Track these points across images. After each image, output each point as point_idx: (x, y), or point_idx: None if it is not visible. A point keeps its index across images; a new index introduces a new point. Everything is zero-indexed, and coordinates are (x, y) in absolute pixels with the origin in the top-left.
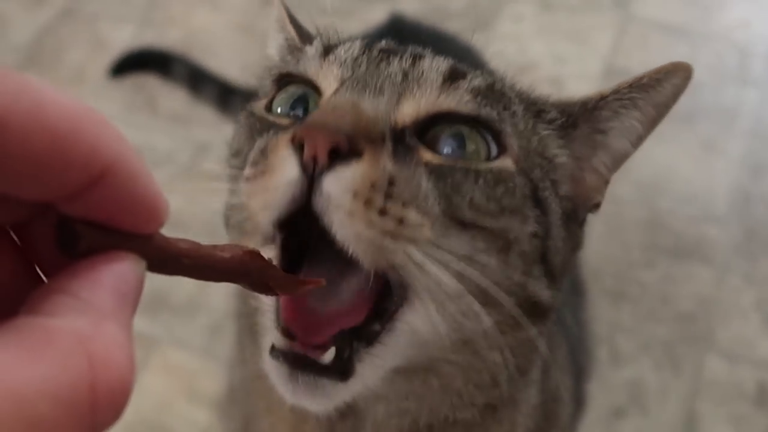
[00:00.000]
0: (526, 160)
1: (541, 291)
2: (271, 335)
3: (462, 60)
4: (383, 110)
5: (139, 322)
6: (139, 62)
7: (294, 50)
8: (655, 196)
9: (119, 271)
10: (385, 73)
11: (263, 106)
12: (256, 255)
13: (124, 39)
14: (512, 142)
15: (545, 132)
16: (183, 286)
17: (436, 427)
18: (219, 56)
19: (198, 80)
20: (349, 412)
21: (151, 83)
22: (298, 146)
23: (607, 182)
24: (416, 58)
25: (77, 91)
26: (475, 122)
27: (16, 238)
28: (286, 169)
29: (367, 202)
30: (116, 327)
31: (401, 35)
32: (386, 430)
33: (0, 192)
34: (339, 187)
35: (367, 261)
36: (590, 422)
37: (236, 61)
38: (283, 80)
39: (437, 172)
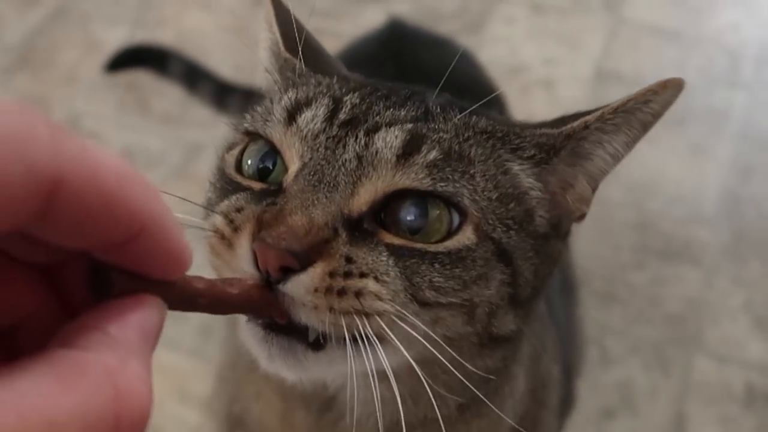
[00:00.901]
0: (487, 220)
1: (505, 327)
2: None
3: (457, 66)
4: (336, 210)
5: None
6: (135, 58)
7: (277, 57)
8: (645, 198)
9: (145, 313)
10: (341, 161)
11: (234, 162)
12: (260, 288)
13: (117, 39)
14: (471, 208)
15: (518, 168)
16: None
17: (417, 424)
18: (211, 56)
19: (194, 78)
20: (330, 405)
21: (143, 84)
22: (254, 252)
23: (591, 198)
24: (371, 134)
25: (70, 92)
26: (432, 195)
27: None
28: (244, 262)
29: (328, 290)
30: (139, 363)
31: (401, 41)
32: (367, 425)
33: (46, 240)
34: (297, 291)
35: (334, 334)
36: (580, 423)
37: (228, 61)
38: (252, 135)
39: (397, 253)
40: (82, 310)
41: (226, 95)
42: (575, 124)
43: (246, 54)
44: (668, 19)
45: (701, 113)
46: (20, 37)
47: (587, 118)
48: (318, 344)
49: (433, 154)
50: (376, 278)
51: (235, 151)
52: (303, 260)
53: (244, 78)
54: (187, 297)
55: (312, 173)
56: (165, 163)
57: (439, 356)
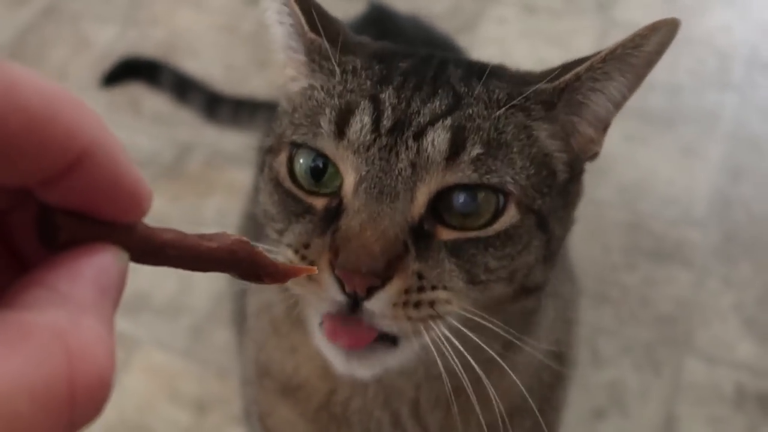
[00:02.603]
0: (527, 194)
1: (536, 279)
2: (316, 317)
3: (437, 36)
4: (401, 221)
5: (121, 323)
6: (128, 71)
7: (302, 37)
8: (636, 198)
9: (100, 263)
10: (397, 170)
11: (287, 173)
12: (244, 243)
13: (107, 38)
14: (514, 189)
15: (539, 131)
16: (165, 286)
17: (464, 368)
18: (202, 56)
19: (184, 89)
20: None
21: (134, 83)
22: (338, 278)
23: (601, 138)
24: (419, 138)
25: None
26: (479, 188)
27: None
28: (332, 292)
29: (405, 304)
30: (96, 321)
31: (382, 25)
32: (415, 373)
33: None
34: (380, 306)
35: (404, 336)
36: (571, 424)
37: (220, 61)
38: (299, 146)
39: (456, 251)
40: (34, 265)
41: (216, 105)
42: (567, 76)
43: (238, 53)
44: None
45: (692, 114)
46: (10, 35)
47: (578, 69)
48: (394, 340)
49: (476, 150)
50: (444, 287)
51: (282, 159)
52: (384, 277)
53: (236, 77)
54: (153, 247)
55: (372, 186)
56: (156, 162)
57: (482, 320)
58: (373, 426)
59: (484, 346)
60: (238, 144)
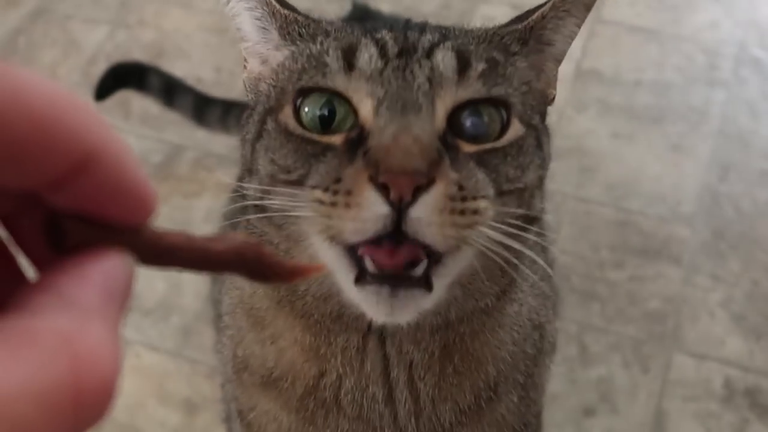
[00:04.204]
0: (526, 111)
1: (536, 206)
2: (350, 272)
3: None
4: (430, 129)
5: None
6: (117, 78)
7: (274, 16)
8: (624, 196)
9: (107, 268)
10: (416, 85)
11: (293, 121)
12: (252, 245)
13: (97, 40)
14: (515, 101)
15: (519, 63)
16: (155, 287)
17: (465, 318)
18: (192, 58)
19: (173, 92)
20: None
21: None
22: (382, 187)
23: (556, 76)
24: (430, 57)
25: None
26: (488, 101)
27: (5, 233)
28: (376, 207)
29: (451, 211)
30: (102, 326)
31: (365, 12)
32: (424, 325)
33: None
34: (427, 211)
35: (445, 247)
36: (560, 421)
37: (209, 62)
38: (306, 91)
39: (479, 160)
40: (40, 271)
41: (205, 109)
42: (534, 16)
43: (227, 55)
44: (647, 18)
45: (680, 111)
46: (0, 37)
47: (543, 8)
48: (428, 282)
49: (481, 66)
50: (484, 196)
51: (288, 112)
52: (429, 176)
53: (225, 79)
54: (160, 249)
55: (394, 101)
56: (146, 163)
57: (495, 248)
58: (366, 404)
59: (483, 281)
60: (228, 145)
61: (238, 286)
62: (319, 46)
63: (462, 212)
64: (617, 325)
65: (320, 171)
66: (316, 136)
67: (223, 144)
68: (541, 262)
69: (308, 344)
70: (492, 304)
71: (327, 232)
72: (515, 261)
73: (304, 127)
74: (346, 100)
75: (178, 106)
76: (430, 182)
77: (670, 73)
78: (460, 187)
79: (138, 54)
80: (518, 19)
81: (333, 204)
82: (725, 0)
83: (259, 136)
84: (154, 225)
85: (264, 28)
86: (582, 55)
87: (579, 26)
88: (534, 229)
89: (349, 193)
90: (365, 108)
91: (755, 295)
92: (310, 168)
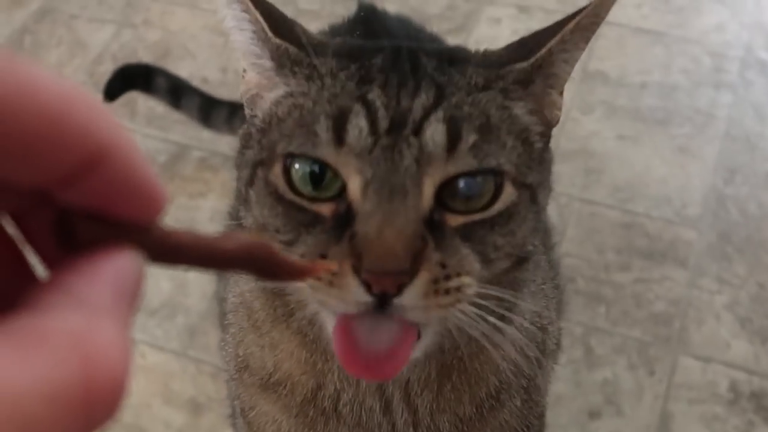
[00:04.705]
0: (520, 171)
1: (529, 249)
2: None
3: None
4: (415, 217)
5: None
6: (124, 79)
7: (266, 43)
8: (630, 198)
9: (117, 266)
10: (402, 168)
11: (284, 183)
12: (261, 243)
13: (103, 39)
14: (508, 167)
15: (517, 110)
16: (160, 287)
17: (461, 345)
18: (197, 57)
19: (179, 93)
20: None
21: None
22: (365, 281)
23: (561, 101)
24: (419, 135)
25: None
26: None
27: (16, 231)
28: (358, 296)
29: (435, 293)
30: (112, 325)
31: (370, 26)
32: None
33: None
34: (411, 299)
35: (431, 326)
36: (565, 423)
37: (215, 62)
38: (296, 156)
39: (467, 234)
40: (50, 269)
41: (211, 110)
42: (542, 53)
43: (233, 55)
44: (653, 20)
45: (686, 114)
46: (6, 36)
47: (550, 44)
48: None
49: (472, 137)
50: (467, 272)
51: (277, 172)
52: (412, 273)
53: (231, 79)
54: (169, 247)
55: (381, 186)
56: (152, 163)
57: (495, 292)
58: (365, 414)
59: (489, 318)
60: (233, 146)
61: (241, 285)
62: (310, 102)
63: (446, 291)
64: (623, 327)
65: (308, 243)
66: (306, 203)
67: (229, 144)
68: (543, 263)
69: (304, 359)
70: (493, 326)
71: (314, 297)
72: (510, 298)
73: (294, 190)
74: (335, 170)
75: (184, 108)
76: (413, 275)
77: (676, 75)
78: (443, 266)
79: (143, 54)
80: (522, 45)
81: (318, 278)
82: (731, 2)
83: (251, 181)
84: (162, 223)
85: (258, 53)
86: (588, 57)
87: (581, 54)
88: (528, 266)
89: (333, 273)
90: (353, 184)
91: (761, 298)
92: (299, 236)
